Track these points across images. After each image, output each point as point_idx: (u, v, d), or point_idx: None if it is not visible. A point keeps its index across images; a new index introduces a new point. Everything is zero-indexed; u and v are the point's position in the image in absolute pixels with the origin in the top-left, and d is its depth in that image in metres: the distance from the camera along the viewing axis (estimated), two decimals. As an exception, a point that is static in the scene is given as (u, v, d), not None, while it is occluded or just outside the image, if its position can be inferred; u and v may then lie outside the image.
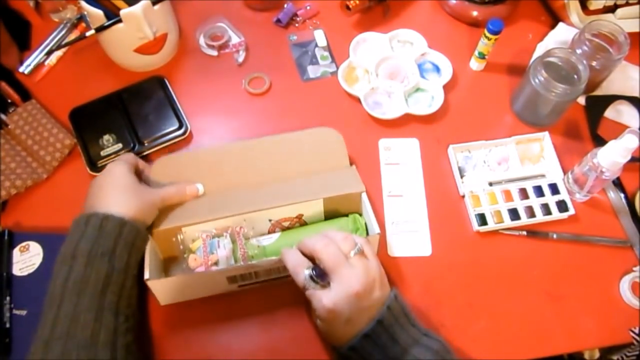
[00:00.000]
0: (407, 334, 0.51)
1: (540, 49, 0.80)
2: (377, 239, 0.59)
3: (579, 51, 0.72)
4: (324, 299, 0.50)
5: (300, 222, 0.63)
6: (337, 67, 0.80)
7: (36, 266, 0.62)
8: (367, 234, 0.62)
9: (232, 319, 0.61)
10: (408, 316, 0.52)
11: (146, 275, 0.55)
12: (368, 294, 0.51)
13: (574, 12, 0.81)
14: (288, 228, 0.63)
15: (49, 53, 0.79)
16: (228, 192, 0.63)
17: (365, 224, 0.63)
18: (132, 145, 0.70)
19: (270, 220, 0.62)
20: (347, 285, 0.50)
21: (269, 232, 0.63)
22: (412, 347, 0.50)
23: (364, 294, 0.50)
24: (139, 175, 0.62)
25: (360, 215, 0.64)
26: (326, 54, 0.82)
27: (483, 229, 0.67)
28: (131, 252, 0.54)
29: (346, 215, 0.64)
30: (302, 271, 0.52)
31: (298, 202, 0.61)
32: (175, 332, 0.60)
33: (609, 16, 0.82)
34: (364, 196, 0.62)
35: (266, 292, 0.62)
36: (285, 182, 0.64)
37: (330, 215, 0.64)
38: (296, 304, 0.61)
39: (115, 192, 0.56)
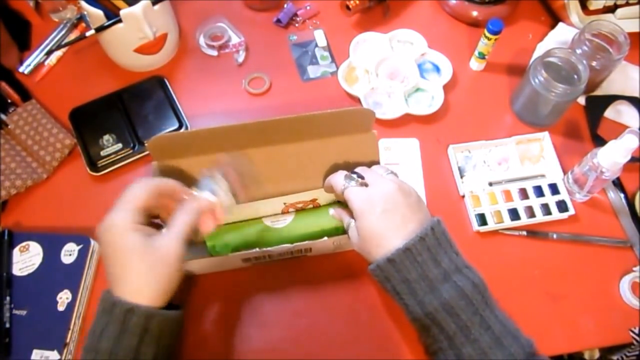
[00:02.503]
0: (450, 259, 0.50)
1: (540, 49, 0.80)
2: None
3: (579, 51, 0.72)
4: (362, 192, 0.52)
5: (315, 205, 0.64)
6: (337, 67, 0.80)
7: (36, 266, 0.62)
8: None
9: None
10: (451, 243, 0.52)
11: None
12: (406, 196, 0.52)
13: (574, 12, 0.81)
14: (302, 209, 0.64)
15: (49, 53, 0.79)
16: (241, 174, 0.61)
17: None
18: (132, 145, 0.70)
19: (284, 203, 0.62)
20: (384, 184, 0.52)
21: (283, 213, 0.63)
22: (454, 274, 0.49)
23: (402, 194, 0.52)
24: (158, 212, 0.52)
25: None
26: (326, 54, 0.82)
27: (483, 229, 0.67)
28: (159, 343, 0.47)
29: None
30: (340, 176, 0.55)
31: (314, 189, 0.61)
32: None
33: (609, 16, 0.82)
34: None
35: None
36: (300, 163, 0.62)
37: None
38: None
39: (121, 261, 0.46)
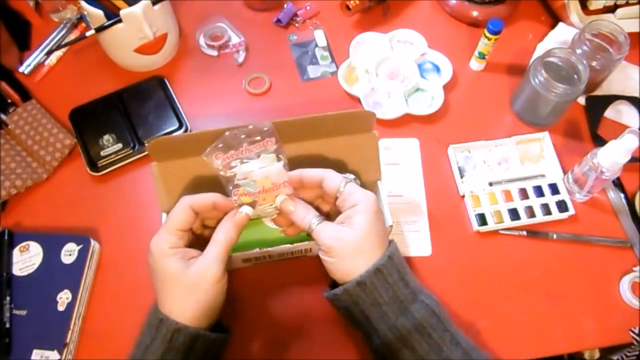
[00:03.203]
0: (412, 278, 0.49)
1: (540, 49, 0.80)
2: (389, 231, 0.60)
3: (579, 51, 0.72)
4: (330, 227, 0.49)
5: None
6: (337, 67, 0.80)
7: (36, 266, 0.62)
8: None
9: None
10: (406, 266, 0.50)
11: None
12: (380, 214, 0.50)
13: (574, 12, 0.81)
14: None
15: (49, 53, 0.79)
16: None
17: None
18: (132, 145, 0.70)
19: None
20: (369, 195, 0.50)
21: None
22: (419, 293, 0.48)
23: (380, 210, 0.50)
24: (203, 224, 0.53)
25: None
26: (326, 54, 0.82)
27: (483, 229, 0.67)
28: None
29: None
30: (309, 216, 0.51)
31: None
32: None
33: (609, 16, 0.82)
34: (380, 184, 0.62)
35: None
36: (300, 163, 0.59)
37: None
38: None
39: (168, 293, 0.48)
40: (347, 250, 0.48)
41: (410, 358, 0.47)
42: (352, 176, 0.53)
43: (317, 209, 0.53)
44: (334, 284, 0.52)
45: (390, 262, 0.48)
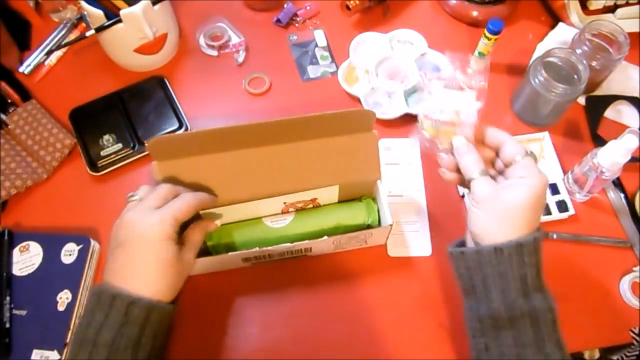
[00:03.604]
0: (542, 274, 0.49)
1: (540, 49, 0.80)
2: (389, 230, 0.60)
3: (579, 51, 0.72)
4: (491, 184, 0.49)
5: (315, 205, 0.64)
6: (337, 67, 0.80)
7: (36, 266, 0.62)
8: (380, 221, 0.63)
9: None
10: (542, 260, 0.50)
11: None
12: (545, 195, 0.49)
13: (574, 12, 0.81)
14: (302, 209, 0.64)
15: (49, 53, 0.79)
16: (241, 174, 0.61)
17: (378, 210, 0.63)
18: (132, 145, 0.70)
19: (284, 203, 0.62)
20: (542, 177, 0.49)
21: (282, 213, 0.63)
22: (544, 288, 0.49)
23: (545, 192, 0.49)
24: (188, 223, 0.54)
25: (374, 200, 0.64)
26: (326, 54, 0.82)
27: (483, 229, 0.67)
28: (157, 336, 0.49)
29: (360, 199, 0.65)
30: (476, 165, 0.50)
31: (315, 189, 0.61)
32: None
33: (609, 16, 0.82)
34: (379, 184, 0.62)
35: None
36: (300, 162, 0.61)
37: (345, 196, 0.64)
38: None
39: (150, 271, 0.48)
40: (498, 212, 0.48)
41: (511, 341, 0.46)
42: (534, 153, 0.52)
43: None
44: (460, 244, 0.52)
45: (534, 244, 0.47)
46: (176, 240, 0.50)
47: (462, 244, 0.53)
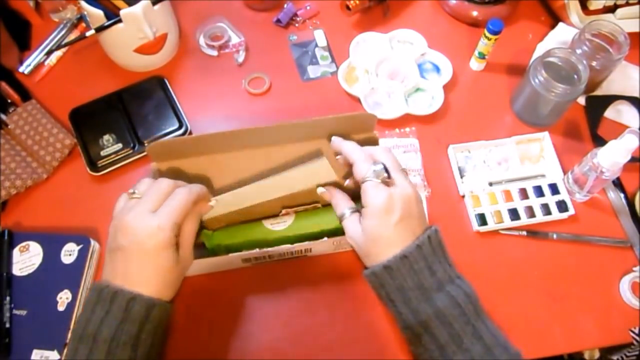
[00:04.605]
0: (444, 269, 0.50)
1: (540, 49, 0.80)
2: None
3: (579, 51, 0.72)
4: (384, 192, 0.50)
5: (315, 208, 0.64)
6: (337, 67, 0.80)
7: (36, 266, 0.62)
8: None
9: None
10: (445, 253, 0.51)
11: None
12: (418, 204, 0.52)
13: (574, 12, 0.81)
14: (302, 211, 0.64)
15: (49, 53, 0.79)
16: (241, 174, 0.61)
17: None
18: (132, 145, 0.70)
19: (283, 206, 0.62)
20: (406, 187, 0.51)
21: (282, 215, 0.63)
22: (447, 284, 0.49)
23: (417, 201, 0.52)
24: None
25: None
26: (326, 54, 0.82)
27: (483, 229, 0.67)
28: (156, 333, 0.49)
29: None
30: (365, 164, 0.53)
31: (317, 204, 0.61)
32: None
33: (609, 16, 0.82)
34: None
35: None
36: (300, 162, 0.61)
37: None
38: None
39: (150, 279, 0.48)
40: (370, 239, 0.51)
41: (431, 344, 0.48)
42: (380, 167, 0.52)
43: None
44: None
45: (418, 250, 0.49)
46: (175, 244, 0.49)
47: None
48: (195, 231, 0.53)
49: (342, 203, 0.56)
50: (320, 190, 0.58)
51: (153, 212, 0.49)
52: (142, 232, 0.47)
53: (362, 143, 0.59)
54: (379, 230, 0.50)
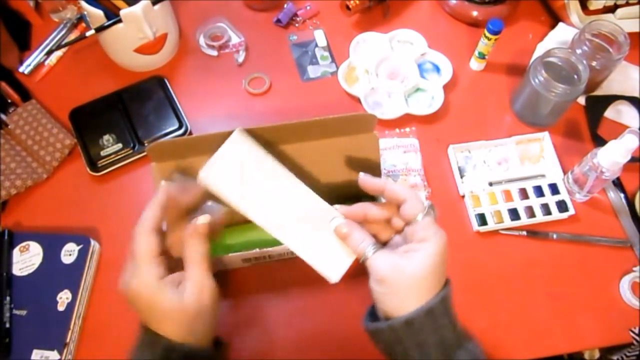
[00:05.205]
0: (459, 323, 0.46)
1: (540, 49, 0.80)
2: None
3: (579, 51, 0.72)
4: (388, 257, 0.45)
5: None
6: (337, 67, 0.80)
7: (36, 266, 0.62)
8: None
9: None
10: (453, 309, 0.47)
11: None
12: (444, 256, 0.46)
13: (574, 12, 0.82)
14: None
15: (49, 53, 0.79)
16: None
17: None
18: (132, 145, 0.70)
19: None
20: (441, 240, 0.45)
21: None
22: (464, 339, 0.46)
23: (445, 253, 0.46)
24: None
25: (374, 200, 0.64)
26: (326, 54, 0.82)
27: (483, 229, 0.67)
28: None
29: (360, 199, 0.64)
30: (364, 243, 0.47)
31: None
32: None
33: (609, 16, 0.82)
34: None
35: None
36: (300, 162, 0.60)
37: (345, 196, 0.63)
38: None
39: (169, 327, 0.44)
40: (403, 284, 0.44)
41: None
42: (429, 203, 0.48)
43: (375, 236, 0.49)
44: (373, 313, 0.49)
45: (442, 304, 0.45)
46: (168, 282, 0.45)
47: (374, 311, 0.49)
48: (204, 256, 0.47)
49: (362, 241, 0.47)
50: (334, 222, 0.50)
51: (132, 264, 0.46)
52: (131, 290, 0.45)
53: (363, 143, 0.59)
54: (436, 266, 0.45)
